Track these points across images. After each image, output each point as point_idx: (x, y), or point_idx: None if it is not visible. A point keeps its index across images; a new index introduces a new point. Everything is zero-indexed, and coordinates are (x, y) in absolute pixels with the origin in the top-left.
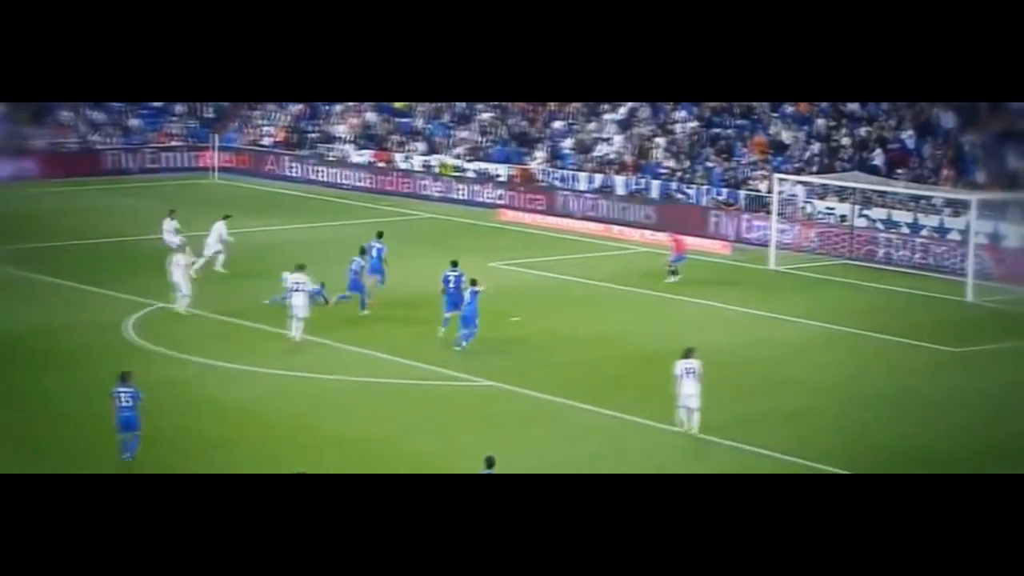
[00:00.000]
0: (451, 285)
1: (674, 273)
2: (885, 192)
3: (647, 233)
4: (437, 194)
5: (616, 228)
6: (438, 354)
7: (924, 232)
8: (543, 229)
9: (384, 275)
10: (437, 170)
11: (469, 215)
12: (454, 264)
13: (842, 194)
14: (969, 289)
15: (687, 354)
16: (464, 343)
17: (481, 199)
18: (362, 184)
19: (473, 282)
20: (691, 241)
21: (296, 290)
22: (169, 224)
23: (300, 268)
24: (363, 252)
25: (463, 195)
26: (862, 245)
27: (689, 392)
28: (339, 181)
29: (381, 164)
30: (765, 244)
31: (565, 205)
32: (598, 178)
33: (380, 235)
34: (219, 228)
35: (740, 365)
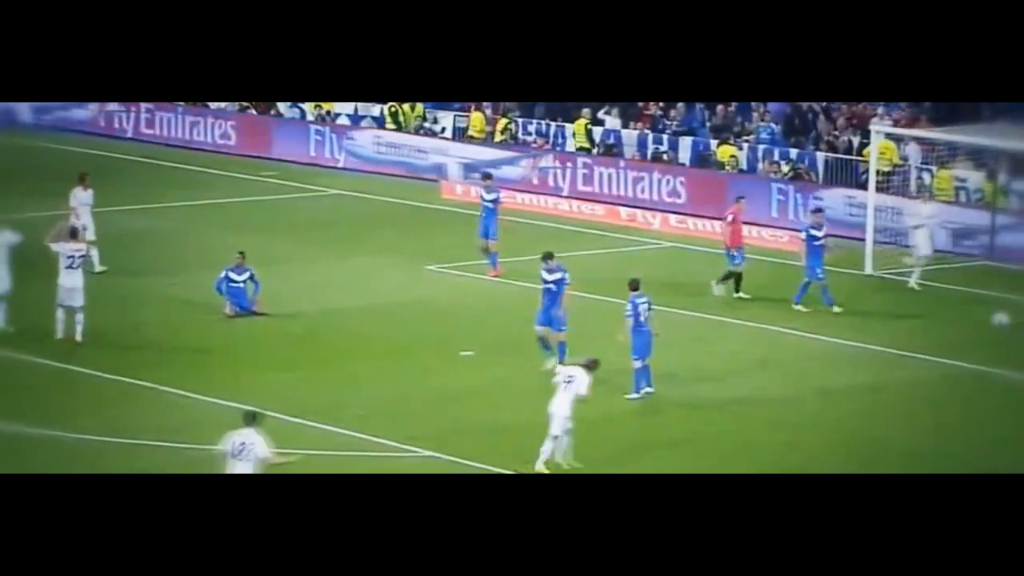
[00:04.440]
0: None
1: (730, 280)
2: None
3: (673, 219)
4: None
5: (625, 211)
6: None
7: None
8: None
9: None
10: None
11: (396, 191)
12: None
13: (979, 159)
14: None
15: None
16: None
17: (420, 162)
18: (224, 143)
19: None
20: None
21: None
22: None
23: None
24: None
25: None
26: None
27: (561, 412)
28: (192, 138)
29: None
30: (860, 237)
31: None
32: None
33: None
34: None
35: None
